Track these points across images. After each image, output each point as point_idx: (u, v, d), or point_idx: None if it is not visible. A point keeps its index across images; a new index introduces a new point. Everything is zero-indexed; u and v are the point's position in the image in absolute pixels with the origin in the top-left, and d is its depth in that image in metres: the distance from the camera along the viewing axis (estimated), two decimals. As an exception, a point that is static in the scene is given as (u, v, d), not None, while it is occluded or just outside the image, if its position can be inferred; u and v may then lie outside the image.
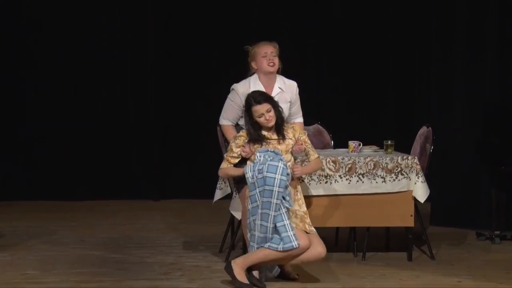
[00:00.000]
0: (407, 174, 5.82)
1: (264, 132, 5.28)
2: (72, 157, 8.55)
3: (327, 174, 5.79)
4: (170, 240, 6.61)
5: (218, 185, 6.22)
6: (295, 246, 5.03)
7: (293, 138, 5.35)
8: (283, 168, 5.05)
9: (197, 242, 6.54)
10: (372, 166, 5.82)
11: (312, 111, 8.28)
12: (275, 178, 5.03)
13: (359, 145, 6.08)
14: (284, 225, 5.05)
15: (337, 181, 5.80)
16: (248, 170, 5.13)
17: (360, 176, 5.81)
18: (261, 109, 5.21)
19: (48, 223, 7.30)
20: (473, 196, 7.04)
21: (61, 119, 8.59)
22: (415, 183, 5.82)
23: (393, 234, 6.29)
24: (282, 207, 5.05)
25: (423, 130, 6.19)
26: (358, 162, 5.82)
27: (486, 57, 7.01)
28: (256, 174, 5.08)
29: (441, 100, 7.27)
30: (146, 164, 8.68)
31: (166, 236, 6.75)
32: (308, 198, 5.74)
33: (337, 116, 8.45)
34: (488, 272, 5.51)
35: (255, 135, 5.25)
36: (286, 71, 8.70)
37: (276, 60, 5.64)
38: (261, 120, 5.23)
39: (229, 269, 5.12)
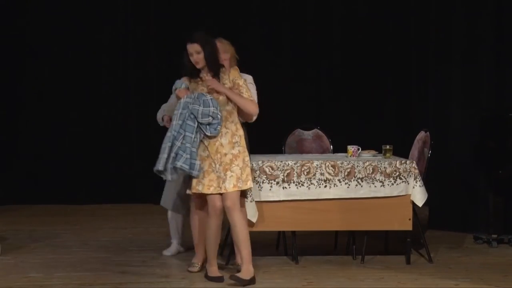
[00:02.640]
0: (405, 178, 5.88)
1: (202, 72, 5.35)
2: (75, 162, 8.61)
3: (326, 178, 5.85)
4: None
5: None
6: (193, 173, 5.22)
7: (228, 81, 5.38)
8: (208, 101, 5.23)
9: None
10: (371, 171, 5.88)
11: (311, 116, 8.39)
12: (198, 109, 5.22)
13: (358, 149, 6.14)
14: (189, 147, 5.22)
15: (336, 185, 5.86)
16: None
17: (359, 180, 5.87)
18: (190, 48, 5.30)
19: (51, 227, 7.36)
20: (471, 200, 7.10)
21: (65, 123, 8.65)
22: (413, 187, 5.88)
23: (391, 238, 6.35)
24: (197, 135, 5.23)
25: (421, 135, 6.26)
26: (357, 166, 5.88)
27: (482, 63, 7.07)
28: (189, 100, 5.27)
29: (439, 106, 7.33)
30: (147, 168, 8.72)
31: (167, 240, 6.79)
32: (307, 202, 5.81)
33: (336, 121, 8.50)
34: (485, 275, 5.57)
35: (190, 70, 5.35)
36: (286, 75, 8.81)
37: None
38: (191, 59, 5.33)
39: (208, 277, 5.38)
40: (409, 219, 5.87)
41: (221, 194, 5.34)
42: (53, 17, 8.63)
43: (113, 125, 8.74)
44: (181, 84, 5.42)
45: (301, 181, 5.84)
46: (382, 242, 6.35)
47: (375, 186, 5.87)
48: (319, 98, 8.82)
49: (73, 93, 8.67)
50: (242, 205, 5.58)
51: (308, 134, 6.79)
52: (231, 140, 5.39)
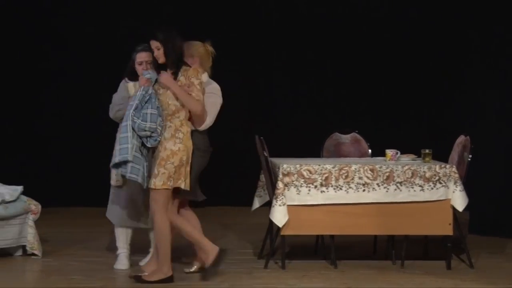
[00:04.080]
0: (445, 183, 5.84)
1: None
2: (89, 163, 8.63)
3: (365, 182, 5.83)
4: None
5: (256, 193, 6.31)
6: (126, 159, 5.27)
7: (183, 78, 5.39)
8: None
9: (237, 248, 6.61)
10: (410, 175, 5.85)
11: (350, 120, 8.36)
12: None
13: (397, 153, 6.11)
14: (126, 137, 5.33)
15: (375, 189, 5.84)
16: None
17: (398, 184, 5.84)
18: (152, 44, 5.41)
19: (91, 229, 7.41)
20: (512, 204, 7.02)
21: (105, 126, 8.68)
22: (454, 192, 5.83)
23: (431, 243, 6.30)
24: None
25: (461, 139, 6.20)
26: (396, 170, 5.85)
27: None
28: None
29: (477, 109, 7.26)
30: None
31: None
32: (346, 206, 5.80)
33: (375, 125, 8.47)
34: (527, 281, 5.51)
35: (156, 66, 5.47)
36: (324, 78, 8.80)
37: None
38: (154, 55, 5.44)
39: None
40: (449, 224, 5.82)
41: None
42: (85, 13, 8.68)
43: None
44: (147, 73, 5.49)
45: (339, 185, 5.82)
46: (422, 247, 6.31)
47: (414, 191, 5.83)
48: (357, 101, 8.79)
49: (109, 93, 8.69)
50: (183, 206, 5.62)
51: (346, 138, 6.77)
52: (174, 135, 5.38)
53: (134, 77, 5.69)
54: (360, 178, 5.82)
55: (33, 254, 6.21)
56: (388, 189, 5.83)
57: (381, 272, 5.76)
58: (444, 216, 5.83)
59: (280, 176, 5.81)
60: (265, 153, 5.95)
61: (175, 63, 5.41)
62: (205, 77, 5.61)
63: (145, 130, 5.34)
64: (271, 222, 5.97)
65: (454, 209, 5.85)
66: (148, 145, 5.39)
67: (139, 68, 5.69)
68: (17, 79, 8.70)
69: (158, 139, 5.37)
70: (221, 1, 8.73)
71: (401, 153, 6.16)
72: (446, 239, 5.85)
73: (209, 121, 5.57)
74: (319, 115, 8.71)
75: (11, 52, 8.60)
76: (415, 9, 8.62)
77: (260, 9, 8.78)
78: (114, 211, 5.89)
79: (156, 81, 5.48)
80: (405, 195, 5.83)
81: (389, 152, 6.10)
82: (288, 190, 5.81)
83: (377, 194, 5.83)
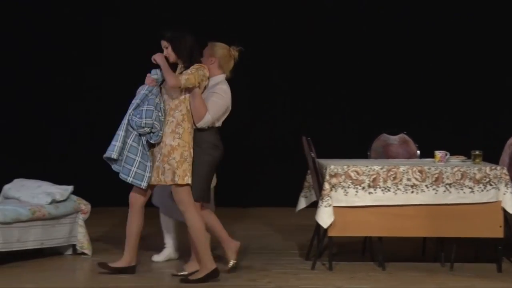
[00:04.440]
0: (495, 185, 5.76)
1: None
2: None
3: (414, 184, 5.78)
4: (258, 247, 6.69)
5: (302, 193, 6.30)
6: (142, 186, 5.45)
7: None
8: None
9: (284, 249, 6.61)
10: (460, 176, 5.78)
11: (398, 120, 8.30)
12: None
13: (446, 155, 6.04)
14: (118, 135, 5.48)
15: (424, 191, 5.78)
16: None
17: (447, 186, 5.78)
18: (161, 44, 5.54)
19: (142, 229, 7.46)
20: None
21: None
22: (504, 194, 5.75)
23: (482, 245, 6.21)
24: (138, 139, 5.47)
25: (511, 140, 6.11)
26: (445, 172, 5.79)
27: None
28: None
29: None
30: (235, 171, 8.79)
31: (253, 243, 6.83)
32: (394, 208, 5.75)
33: (424, 126, 8.39)
34: None
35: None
36: (372, 78, 8.74)
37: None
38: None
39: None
40: (500, 226, 5.74)
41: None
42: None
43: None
44: (155, 73, 5.56)
45: (387, 186, 5.78)
46: (471, 249, 6.22)
47: (464, 192, 5.76)
48: (406, 102, 8.72)
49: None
50: (198, 205, 5.58)
51: (394, 139, 6.71)
52: (174, 130, 5.45)
53: None
54: (409, 179, 5.77)
55: (83, 253, 6.30)
56: (437, 191, 5.77)
57: (430, 275, 5.70)
58: (495, 218, 5.75)
59: (327, 177, 5.79)
60: (312, 154, 5.94)
61: (186, 59, 5.48)
62: (220, 78, 5.67)
63: (143, 127, 5.43)
64: (318, 223, 5.95)
65: (504, 211, 5.76)
66: (152, 141, 5.48)
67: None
68: (65, 79, 8.83)
69: (160, 133, 5.45)
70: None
71: (450, 155, 6.09)
72: (497, 242, 5.77)
73: (208, 119, 5.55)
74: (367, 116, 8.66)
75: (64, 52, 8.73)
76: (471, 9, 8.52)
77: (309, 10, 8.77)
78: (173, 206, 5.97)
79: (163, 82, 5.55)
80: (454, 197, 5.77)
81: (438, 154, 6.04)
82: (335, 191, 5.79)
83: (426, 196, 5.77)
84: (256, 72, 8.77)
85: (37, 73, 8.64)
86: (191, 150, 5.49)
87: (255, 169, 8.80)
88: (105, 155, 5.53)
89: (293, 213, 6.53)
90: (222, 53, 5.65)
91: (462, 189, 5.76)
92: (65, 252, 6.32)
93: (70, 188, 6.32)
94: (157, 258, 6.16)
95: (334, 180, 5.79)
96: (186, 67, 5.50)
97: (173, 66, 5.56)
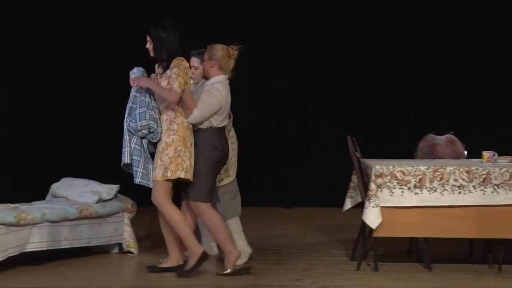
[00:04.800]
0: (545, 185, 5.66)
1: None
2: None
3: (461, 184, 5.71)
4: (302, 247, 6.69)
5: (348, 194, 6.28)
6: (150, 186, 5.51)
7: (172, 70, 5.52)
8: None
9: (328, 249, 6.59)
10: (508, 177, 5.70)
11: (444, 120, 8.21)
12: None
13: (494, 155, 5.96)
14: (125, 140, 5.56)
15: (471, 192, 5.71)
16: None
17: (495, 187, 5.69)
18: (147, 37, 5.60)
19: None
20: None
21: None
22: (554, 195, 5.65)
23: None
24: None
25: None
26: (493, 172, 5.70)
27: None
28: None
29: None
30: (278, 171, 8.80)
31: (297, 243, 6.83)
32: (440, 208, 5.69)
33: (471, 126, 8.28)
34: None
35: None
36: (419, 78, 8.66)
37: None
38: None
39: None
40: (549, 228, 5.64)
41: None
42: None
43: (248, 130, 8.84)
44: (132, 73, 5.62)
45: (433, 187, 5.72)
46: (520, 251, 6.12)
47: (512, 193, 5.68)
48: (453, 102, 8.62)
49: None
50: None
51: (441, 139, 6.64)
52: (169, 127, 5.51)
53: None
54: (456, 180, 5.71)
55: (129, 252, 6.36)
56: (484, 191, 5.69)
57: (477, 276, 5.62)
58: (544, 220, 5.65)
59: (373, 177, 5.76)
60: (357, 154, 5.91)
61: (164, 58, 5.54)
62: (218, 78, 5.70)
63: (140, 130, 5.51)
64: (363, 224, 5.92)
65: (554, 212, 5.66)
66: (154, 141, 5.56)
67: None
68: (114, 78, 8.92)
69: (158, 131, 5.53)
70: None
71: (498, 155, 6.00)
72: (546, 244, 5.67)
73: (196, 115, 5.57)
74: (413, 116, 8.59)
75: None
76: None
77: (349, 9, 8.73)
78: (232, 205, 6.05)
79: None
80: (502, 198, 5.68)
81: (486, 154, 5.95)
82: (381, 192, 5.75)
83: (473, 197, 5.70)
84: (302, 72, 8.77)
85: (84, 72, 8.73)
86: (188, 145, 5.53)
87: (299, 169, 8.79)
88: (122, 164, 5.62)
89: (337, 213, 6.51)
90: (221, 54, 5.69)
91: (510, 190, 5.68)
92: (112, 250, 6.39)
93: (116, 187, 6.39)
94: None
95: (379, 181, 5.75)
96: (165, 65, 5.55)
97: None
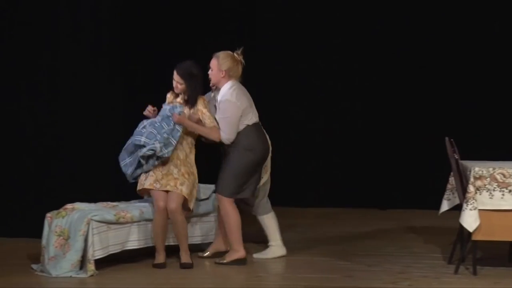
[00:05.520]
0: None
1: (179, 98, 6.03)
2: (298, 164, 8.74)
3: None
4: (397, 249, 6.60)
5: (445, 196, 6.16)
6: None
7: (200, 108, 5.97)
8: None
9: (425, 252, 6.47)
10: None
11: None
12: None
13: None
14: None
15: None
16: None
17: None
18: (175, 76, 5.97)
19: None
20: None
21: (281, 123, 8.76)
22: None
23: None
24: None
25: None
26: None
27: None
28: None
29: None
30: (373, 173, 8.71)
31: (392, 245, 6.74)
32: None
33: None
34: None
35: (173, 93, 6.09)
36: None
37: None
38: (173, 82, 6.00)
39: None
40: None
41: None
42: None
43: (329, 131, 8.79)
44: (178, 108, 5.93)
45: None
46: None
47: None
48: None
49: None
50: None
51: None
52: (185, 159, 5.98)
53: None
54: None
55: (220, 252, 6.39)
56: None
57: None
58: None
59: (472, 179, 5.63)
60: (455, 156, 5.79)
61: (193, 98, 5.95)
62: (227, 86, 5.92)
63: (146, 152, 5.85)
64: (461, 227, 5.79)
65: None
66: (167, 155, 5.87)
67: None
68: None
69: (168, 149, 5.84)
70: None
71: None
72: None
73: (224, 137, 5.93)
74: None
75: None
76: None
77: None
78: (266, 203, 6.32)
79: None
80: None
81: None
82: (479, 194, 5.61)
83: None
84: (400, 71, 8.66)
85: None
86: (196, 180, 6.03)
87: (395, 170, 8.67)
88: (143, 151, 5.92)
89: (434, 215, 6.39)
90: (228, 64, 5.92)
91: None
92: (206, 249, 6.45)
93: (212, 186, 6.45)
94: (261, 255, 6.22)
95: (478, 183, 5.61)
96: (191, 104, 5.95)
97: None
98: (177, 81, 5.97)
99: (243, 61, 6.00)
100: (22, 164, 6.95)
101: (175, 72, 5.99)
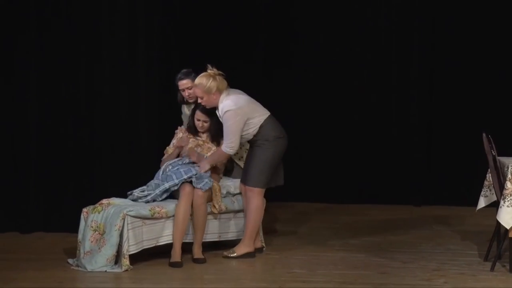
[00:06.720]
0: None
1: (200, 134, 6.22)
2: (332, 159, 8.70)
3: None
4: (432, 246, 6.55)
5: (482, 193, 6.09)
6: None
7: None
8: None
9: (461, 249, 6.41)
10: None
11: None
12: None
13: None
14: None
15: None
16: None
17: None
18: (199, 116, 6.13)
19: (314, 224, 7.51)
20: None
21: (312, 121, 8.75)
22: None
23: None
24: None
25: None
26: None
27: None
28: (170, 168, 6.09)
29: None
30: (409, 169, 8.64)
31: (428, 242, 6.69)
32: None
33: None
34: None
35: (192, 128, 6.22)
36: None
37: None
38: (197, 123, 6.15)
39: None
40: None
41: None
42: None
43: (373, 129, 8.74)
44: (207, 182, 6.00)
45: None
46: None
47: None
48: None
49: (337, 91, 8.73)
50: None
51: None
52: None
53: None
54: None
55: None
56: None
57: None
58: None
59: (509, 176, 5.57)
60: (493, 152, 5.72)
61: (216, 135, 6.15)
62: (223, 96, 5.97)
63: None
64: (498, 224, 5.73)
65: None
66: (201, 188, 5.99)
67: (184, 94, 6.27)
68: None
69: (207, 183, 6.03)
70: None
71: None
72: None
73: (229, 145, 5.96)
74: None
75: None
76: None
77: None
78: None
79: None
80: None
81: None
82: (517, 191, 5.54)
83: None
84: (435, 66, 8.58)
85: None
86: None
87: (433, 167, 8.60)
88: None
89: (471, 212, 6.33)
90: (213, 84, 5.92)
91: None
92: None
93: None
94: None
95: (516, 179, 5.54)
96: (214, 140, 6.19)
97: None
98: (203, 120, 6.11)
99: (218, 71, 5.99)
100: (61, 160, 7.04)
101: (198, 112, 6.09)
